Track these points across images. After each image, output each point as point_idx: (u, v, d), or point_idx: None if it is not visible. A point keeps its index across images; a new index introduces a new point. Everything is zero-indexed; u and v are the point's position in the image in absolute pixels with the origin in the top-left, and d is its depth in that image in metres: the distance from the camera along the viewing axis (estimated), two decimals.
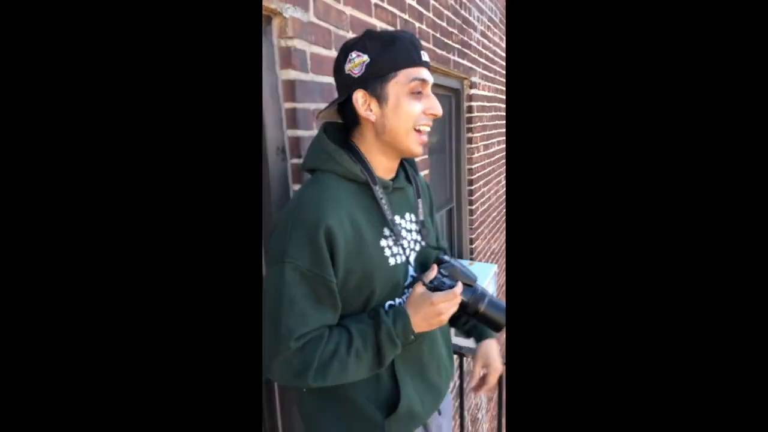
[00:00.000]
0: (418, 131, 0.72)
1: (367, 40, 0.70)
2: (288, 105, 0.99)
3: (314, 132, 1.05)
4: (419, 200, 0.82)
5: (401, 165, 0.82)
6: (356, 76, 0.70)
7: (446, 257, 0.75)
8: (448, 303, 0.69)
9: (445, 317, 0.70)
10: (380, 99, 0.70)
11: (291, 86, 0.98)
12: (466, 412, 2.51)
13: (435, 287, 0.70)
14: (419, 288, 0.70)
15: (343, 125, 0.78)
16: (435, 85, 2.06)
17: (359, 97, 0.70)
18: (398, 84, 0.69)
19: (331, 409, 0.77)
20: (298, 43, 0.98)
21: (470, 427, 2.59)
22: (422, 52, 0.71)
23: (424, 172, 1.78)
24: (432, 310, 0.69)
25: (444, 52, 1.95)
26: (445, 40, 1.97)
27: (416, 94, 0.70)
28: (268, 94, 0.95)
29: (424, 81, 0.70)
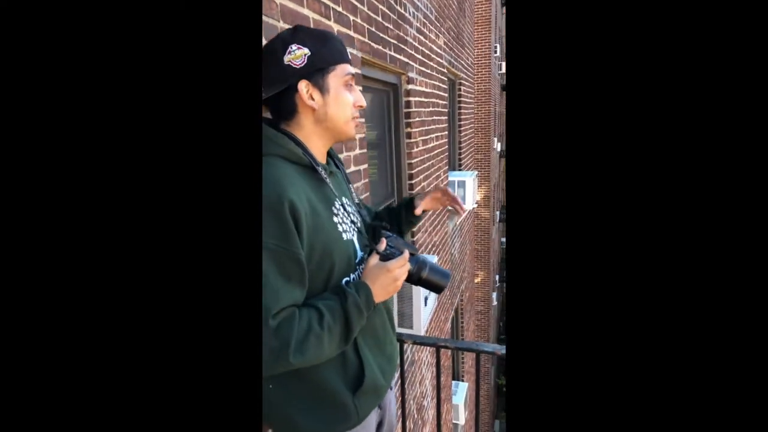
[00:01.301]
0: (353, 119, 0.81)
1: (304, 35, 0.76)
2: None
3: None
4: (350, 185, 0.90)
5: (328, 153, 0.88)
6: (298, 67, 0.75)
7: (389, 233, 0.82)
8: (402, 269, 0.76)
9: (400, 283, 0.77)
10: (322, 89, 0.77)
11: None
12: (411, 401, 2.57)
13: (387, 256, 0.77)
14: (373, 259, 0.76)
15: (273, 118, 0.82)
16: (372, 80, 2.08)
17: (303, 87, 0.76)
18: (336, 76, 0.77)
19: (299, 396, 0.79)
20: None
21: (416, 415, 2.66)
22: (348, 50, 0.82)
23: (362, 167, 1.79)
24: (389, 277, 0.75)
25: (380, 47, 1.97)
26: (381, 35, 1.99)
27: (348, 86, 0.79)
28: None
29: (353, 75, 0.80)
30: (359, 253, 0.82)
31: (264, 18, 1.09)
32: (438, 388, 1.29)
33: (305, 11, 1.30)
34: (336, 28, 1.51)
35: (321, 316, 0.70)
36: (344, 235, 0.78)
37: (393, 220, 1.04)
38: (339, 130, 0.80)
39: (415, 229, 2.75)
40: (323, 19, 1.42)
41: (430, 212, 3.14)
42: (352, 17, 1.64)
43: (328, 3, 1.44)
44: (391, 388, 0.95)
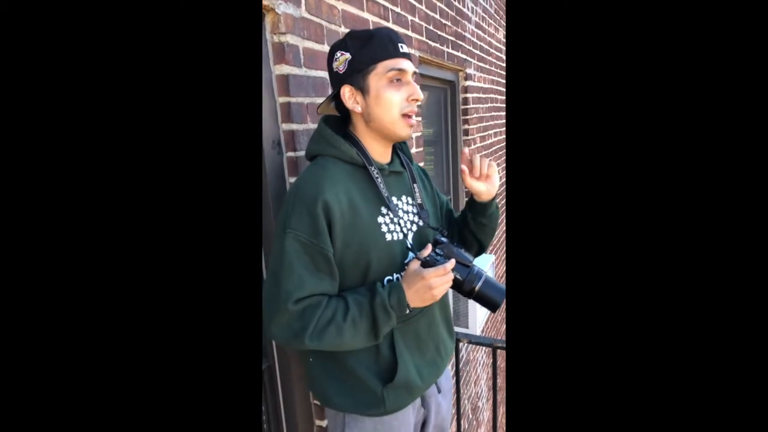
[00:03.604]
0: (405, 116, 0.79)
1: (348, 39, 0.79)
2: (282, 99, 1.01)
3: (308, 125, 1.07)
4: (415, 185, 0.88)
5: (395, 152, 0.89)
6: (342, 72, 0.79)
7: (443, 238, 0.79)
8: (439, 278, 0.73)
9: (437, 292, 0.73)
10: (363, 91, 0.78)
11: (285, 81, 1.00)
12: (466, 401, 2.55)
13: (428, 263, 0.74)
14: (413, 264, 0.75)
15: (341, 117, 0.86)
16: (429, 78, 2.08)
17: (346, 92, 0.79)
18: (377, 75, 0.77)
19: (334, 376, 0.84)
20: (290, 39, 1.00)
21: (471, 415, 2.63)
22: (400, 44, 0.78)
23: (419, 164, 1.80)
24: (423, 284, 0.72)
25: (437, 45, 1.97)
26: (439, 32, 1.98)
27: (395, 82, 0.77)
28: (262, 89, 0.97)
29: (401, 70, 0.77)
30: (412, 254, 0.82)
31: (327, 24, 1.13)
32: (494, 389, 1.27)
33: (365, 15, 1.33)
34: (395, 29, 1.53)
35: (347, 310, 0.74)
36: (387, 235, 0.79)
37: (462, 224, 0.98)
38: (387, 130, 0.79)
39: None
40: (382, 21, 1.44)
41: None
42: (410, 17, 1.65)
43: (387, 5, 1.46)
44: (439, 390, 0.94)
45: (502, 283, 0.79)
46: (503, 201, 3.39)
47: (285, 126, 1.03)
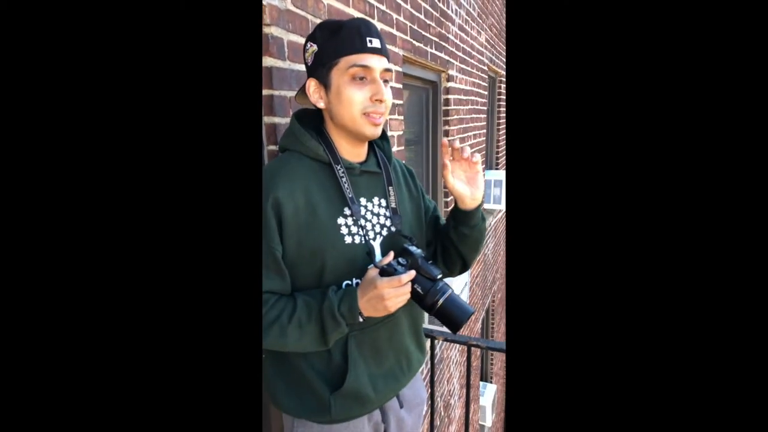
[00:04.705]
0: (367, 115, 0.73)
1: (317, 30, 0.73)
2: (265, 92, 1.00)
3: None
4: (390, 187, 0.82)
5: (373, 151, 0.84)
6: (309, 65, 0.75)
7: (413, 248, 0.74)
8: (392, 289, 0.68)
9: (390, 304, 0.69)
10: (326, 86, 0.73)
11: (268, 73, 0.99)
12: (438, 398, 2.58)
13: (386, 272, 0.70)
14: (371, 272, 0.71)
15: (318, 111, 0.81)
16: (412, 77, 2.09)
17: (311, 86, 0.75)
18: (339, 71, 0.71)
19: (285, 378, 0.81)
20: (275, 31, 0.99)
21: (443, 412, 2.66)
22: (370, 38, 0.72)
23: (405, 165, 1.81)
24: (375, 294, 0.68)
25: (421, 45, 1.98)
26: (423, 33, 1.99)
27: (358, 80, 0.71)
28: None
29: (365, 67, 0.71)
30: (378, 258, 0.77)
31: (312, 17, 1.13)
32: (467, 386, 1.29)
33: (350, 10, 1.32)
34: (379, 26, 1.53)
35: (294, 311, 0.71)
36: (347, 238, 0.74)
37: (444, 234, 0.90)
38: (349, 128, 0.74)
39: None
40: (368, 18, 1.44)
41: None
42: (395, 15, 1.66)
43: (373, 2, 1.46)
44: (401, 405, 0.87)
45: (468, 302, 0.75)
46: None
47: (267, 119, 1.02)
